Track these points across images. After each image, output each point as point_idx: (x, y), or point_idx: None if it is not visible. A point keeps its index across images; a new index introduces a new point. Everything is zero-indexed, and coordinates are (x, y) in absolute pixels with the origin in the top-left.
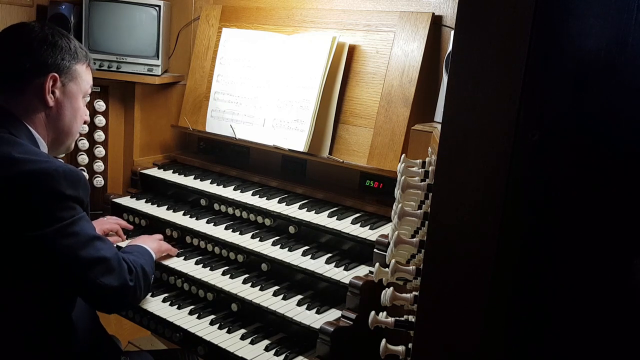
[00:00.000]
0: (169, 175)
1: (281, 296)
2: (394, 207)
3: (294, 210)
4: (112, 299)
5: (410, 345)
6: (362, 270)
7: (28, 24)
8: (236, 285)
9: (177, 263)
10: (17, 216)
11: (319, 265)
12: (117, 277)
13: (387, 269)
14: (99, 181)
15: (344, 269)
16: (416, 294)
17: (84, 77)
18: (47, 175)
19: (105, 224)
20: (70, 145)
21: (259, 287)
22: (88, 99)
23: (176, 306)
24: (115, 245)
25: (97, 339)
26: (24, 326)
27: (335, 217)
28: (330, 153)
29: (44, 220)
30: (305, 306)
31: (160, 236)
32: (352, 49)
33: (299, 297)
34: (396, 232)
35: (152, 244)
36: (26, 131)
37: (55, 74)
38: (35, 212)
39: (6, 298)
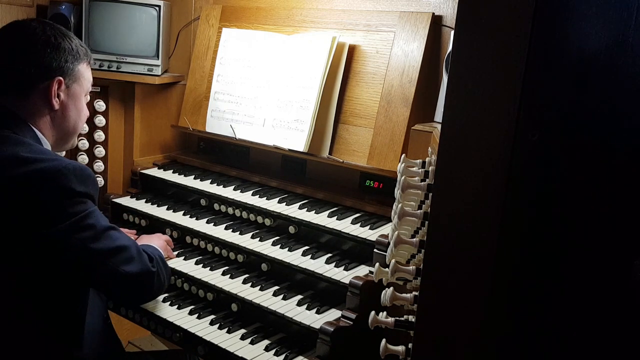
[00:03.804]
0: (169, 175)
1: (281, 296)
2: (394, 207)
3: (294, 210)
4: (137, 287)
5: (410, 345)
6: (362, 270)
7: (27, 24)
8: (236, 285)
9: (177, 263)
10: (29, 215)
11: (319, 265)
12: (138, 263)
13: (387, 269)
14: (99, 181)
15: (344, 269)
16: (416, 294)
17: (86, 76)
18: (57, 173)
19: None
20: (74, 143)
21: (259, 287)
22: (88, 97)
23: (176, 306)
24: None
25: (106, 343)
26: (35, 329)
27: (335, 217)
28: (330, 153)
29: (57, 217)
30: (305, 306)
31: (160, 234)
32: (352, 49)
33: (299, 297)
34: (396, 232)
35: (157, 241)
36: (31, 132)
37: (61, 78)
38: (47, 210)
39: (19, 300)
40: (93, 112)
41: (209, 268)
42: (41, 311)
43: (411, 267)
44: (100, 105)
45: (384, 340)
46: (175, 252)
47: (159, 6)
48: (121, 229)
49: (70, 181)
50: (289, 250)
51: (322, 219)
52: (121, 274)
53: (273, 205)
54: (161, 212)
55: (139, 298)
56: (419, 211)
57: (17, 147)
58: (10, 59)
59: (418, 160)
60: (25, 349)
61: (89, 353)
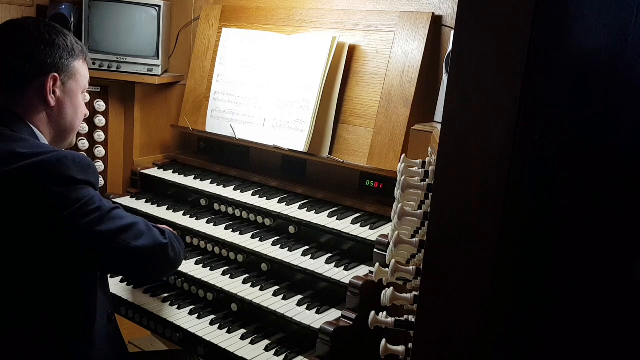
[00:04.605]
0: (169, 175)
1: (281, 296)
2: (394, 207)
3: (294, 210)
4: (152, 260)
5: (410, 345)
6: (362, 270)
7: (22, 22)
8: (236, 285)
9: None
10: (33, 206)
11: (319, 265)
12: (149, 237)
13: (387, 269)
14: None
15: (344, 269)
16: (416, 294)
17: (82, 72)
18: (57, 163)
19: None
20: (72, 141)
21: (259, 287)
22: (88, 97)
23: (176, 306)
24: None
25: (113, 341)
26: (46, 327)
27: (335, 217)
28: (330, 153)
29: (61, 205)
30: (305, 306)
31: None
32: (352, 49)
33: (299, 297)
34: (396, 232)
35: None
36: (28, 130)
37: (56, 74)
38: (50, 199)
39: (29, 297)
40: (93, 112)
41: (209, 268)
42: (51, 308)
43: (411, 267)
44: (100, 105)
45: (384, 340)
46: None
47: (159, 6)
48: None
49: (70, 170)
50: (289, 250)
51: (322, 219)
52: (133, 249)
53: (273, 205)
54: (161, 212)
55: (157, 271)
56: (419, 211)
57: (14, 143)
58: (5, 56)
59: (418, 160)
60: (38, 348)
61: (96, 351)
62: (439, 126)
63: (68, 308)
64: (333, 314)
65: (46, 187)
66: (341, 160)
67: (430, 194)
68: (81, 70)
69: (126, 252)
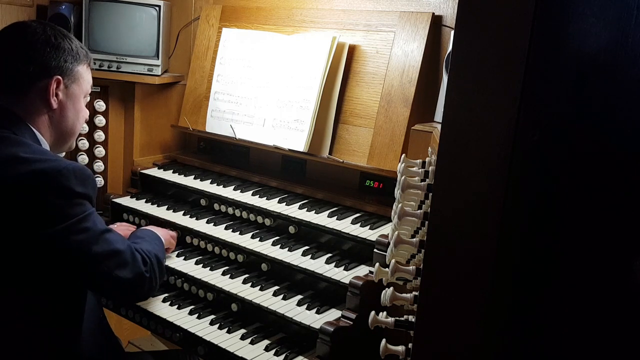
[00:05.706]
0: (169, 175)
1: (281, 296)
2: (394, 207)
3: (294, 210)
4: (128, 291)
5: (410, 345)
6: (362, 270)
7: (28, 24)
8: (236, 285)
9: (177, 263)
10: (28, 215)
11: (319, 265)
12: (132, 268)
13: (387, 269)
14: (99, 181)
15: (344, 269)
16: (416, 294)
17: (85, 77)
18: (57, 173)
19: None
20: (72, 144)
21: (259, 287)
22: (88, 98)
23: (176, 306)
24: None
25: (103, 341)
26: (33, 328)
27: (335, 217)
28: (330, 153)
29: (56, 218)
30: (305, 306)
31: (167, 230)
32: (352, 49)
33: (299, 297)
34: (396, 232)
35: (162, 233)
36: (29, 132)
37: (59, 77)
38: (46, 210)
39: (15, 300)
40: (93, 112)
41: (209, 268)
42: (39, 311)
43: (411, 267)
44: (100, 105)
45: (384, 340)
46: (175, 252)
47: (159, 6)
48: (123, 223)
49: (70, 181)
50: (289, 250)
51: (322, 219)
52: (114, 278)
53: (273, 205)
54: (161, 212)
55: (130, 300)
56: (419, 211)
57: (17, 147)
58: (9, 58)
59: (418, 160)
60: (24, 349)
61: (85, 353)
62: (439, 126)
63: (60, 310)
64: (333, 314)
65: (45, 197)
66: (341, 160)
67: (430, 194)
68: (85, 74)
69: (106, 278)
